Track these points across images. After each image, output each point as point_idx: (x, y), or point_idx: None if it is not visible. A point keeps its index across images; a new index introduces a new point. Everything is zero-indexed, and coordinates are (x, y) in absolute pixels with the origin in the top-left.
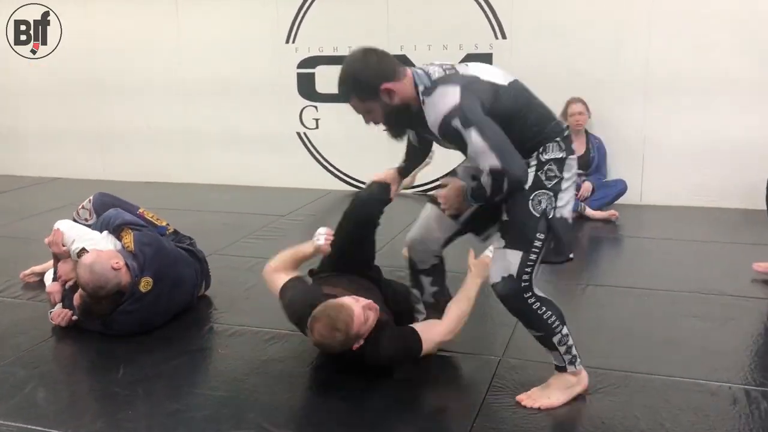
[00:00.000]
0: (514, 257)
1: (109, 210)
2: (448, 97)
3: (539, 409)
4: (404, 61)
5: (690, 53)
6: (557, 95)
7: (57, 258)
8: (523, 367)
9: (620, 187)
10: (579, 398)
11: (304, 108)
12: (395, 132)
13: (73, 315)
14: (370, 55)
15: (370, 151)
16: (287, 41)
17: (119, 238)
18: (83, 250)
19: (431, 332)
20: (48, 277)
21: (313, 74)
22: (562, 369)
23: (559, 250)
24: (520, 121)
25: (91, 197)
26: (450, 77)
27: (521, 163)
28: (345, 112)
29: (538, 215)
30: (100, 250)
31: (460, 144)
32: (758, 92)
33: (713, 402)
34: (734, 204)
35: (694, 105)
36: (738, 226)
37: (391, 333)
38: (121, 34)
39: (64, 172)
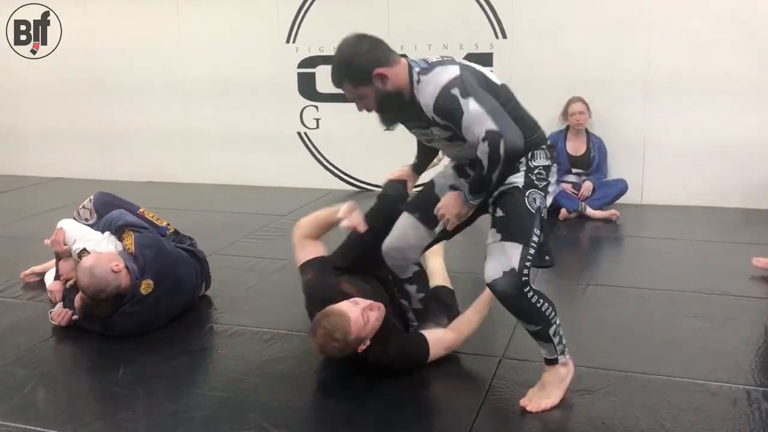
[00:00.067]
0: (515, 251)
1: (112, 211)
2: (447, 73)
3: (544, 410)
4: None
5: (690, 53)
6: (558, 94)
7: (59, 257)
8: (523, 367)
9: (621, 187)
10: (579, 398)
11: (304, 108)
12: (387, 120)
13: (73, 315)
14: (363, 41)
15: (370, 151)
16: (288, 41)
17: (120, 239)
18: (84, 251)
19: (441, 340)
20: (49, 276)
21: (313, 74)
22: (553, 362)
23: (542, 254)
24: None
25: (92, 197)
26: (447, 60)
27: (518, 132)
28: (346, 111)
29: (534, 211)
30: (100, 252)
31: (454, 117)
32: (758, 92)
33: (713, 402)
34: (735, 204)
35: (694, 105)
36: (738, 225)
37: (399, 336)
38: (121, 34)
39: (65, 172)
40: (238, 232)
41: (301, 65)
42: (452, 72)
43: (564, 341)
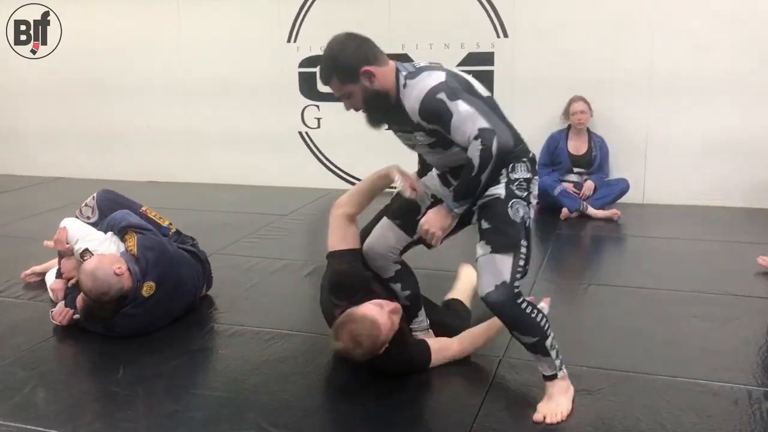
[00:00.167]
0: (504, 263)
1: (116, 211)
2: (432, 78)
3: (561, 421)
4: (406, 60)
5: (691, 52)
6: (559, 94)
7: (61, 255)
8: (523, 368)
9: (622, 186)
10: (579, 398)
11: (305, 107)
12: (374, 119)
13: (74, 314)
14: (351, 39)
15: (371, 151)
16: (289, 40)
17: (123, 240)
18: (86, 251)
19: (444, 350)
20: (50, 275)
21: (314, 73)
22: (552, 377)
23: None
24: None
25: (95, 194)
26: (434, 66)
27: (509, 131)
28: (347, 111)
29: (518, 222)
30: (102, 254)
31: (441, 119)
32: (760, 91)
33: (715, 402)
34: (736, 203)
35: (695, 104)
36: (740, 225)
37: (404, 341)
38: (121, 34)
39: (65, 172)
40: (239, 232)
41: (302, 65)
42: (438, 77)
43: (561, 356)
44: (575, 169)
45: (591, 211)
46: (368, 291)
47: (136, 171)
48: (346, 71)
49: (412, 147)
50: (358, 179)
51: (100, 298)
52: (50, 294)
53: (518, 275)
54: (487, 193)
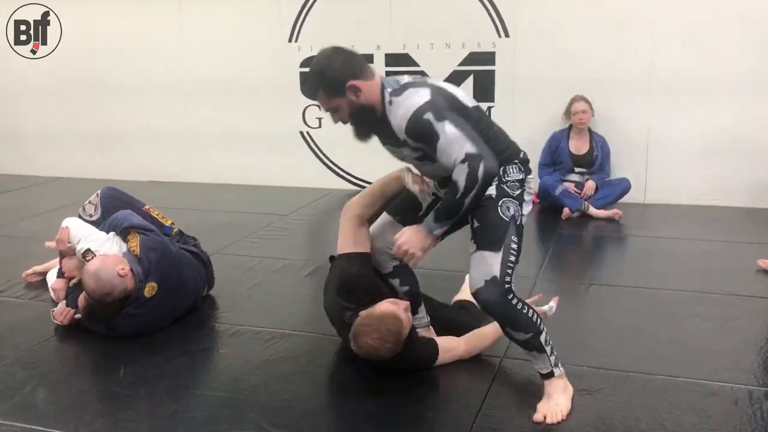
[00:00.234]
0: (494, 259)
1: (119, 212)
2: (418, 96)
3: (561, 420)
4: (407, 59)
5: (692, 52)
6: (560, 93)
7: (62, 254)
8: (523, 368)
9: (624, 186)
10: (580, 398)
11: (307, 107)
12: (361, 133)
13: (75, 313)
14: (338, 53)
15: (372, 151)
16: (290, 40)
17: (125, 240)
18: (88, 251)
19: (451, 350)
20: (52, 274)
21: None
22: (549, 375)
23: None
24: None
25: (99, 192)
26: (419, 82)
27: (494, 158)
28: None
29: (507, 219)
30: (105, 254)
31: (428, 140)
32: (760, 91)
33: (715, 402)
34: (737, 203)
35: (696, 104)
36: (741, 224)
37: (413, 338)
38: (121, 34)
39: (65, 172)
40: (240, 232)
41: (303, 64)
42: (423, 96)
43: (556, 353)
44: (576, 169)
45: (592, 210)
46: (378, 293)
47: (136, 171)
48: (333, 85)
49: (401, 159)
50: (359, 179)
51: (103, 299)
52: (51, 293)
53: (509, 271)
54: None
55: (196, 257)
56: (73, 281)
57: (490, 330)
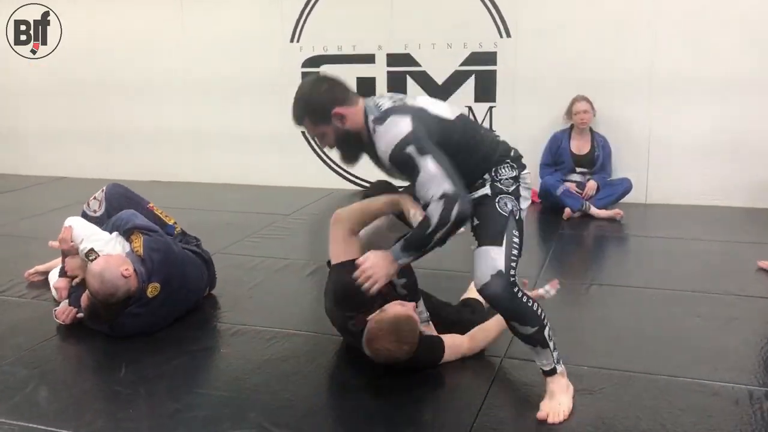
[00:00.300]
0: (497, 253)
1: (122, 211)
2: (400, 126)
3: (564, 419)
4: (409, 60)
5: (692, 52)
6: (562, 93)
7: (65, 254)
8: (523, 367)
9: (625, 186)
10: (580, 398)
11: None
12: (348, 157)
13: (77, 313)
14: (322, 82)
15: None
16: (292, 40)
17: (129, 240)
18: (91, 251)
19: (457, 347)
20: (54, 273)
21: (317, 74)
22: (552, 372)
23: None
24: (467, 154)
25: (104, 188)
26: (400, 108)
27: (468, 197)
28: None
29: (506, 214)
30: (109, 255)
31: (410, 171)
32: (760, 91)
33: (715, 402)
34: (739, 203)
35: (697, 104)
36: (742, 225)
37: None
38: (121, 34)
39: (66, 172)
40: (242, 231)
41: (305, 64)
42: (405, 127)
43: (557, 349)
44: (578, 169)
45: (594, 210)
46: (380, 296)
47: (137, 170)
48: (318, 113)
49: (391, 176)
50: (360, 179)
51: (107, 300)
52: (53, 293)
53: (513, 264)
54: (475, 194)
55: (198, 257)
56: (76, 280)
57: (493, 324)
